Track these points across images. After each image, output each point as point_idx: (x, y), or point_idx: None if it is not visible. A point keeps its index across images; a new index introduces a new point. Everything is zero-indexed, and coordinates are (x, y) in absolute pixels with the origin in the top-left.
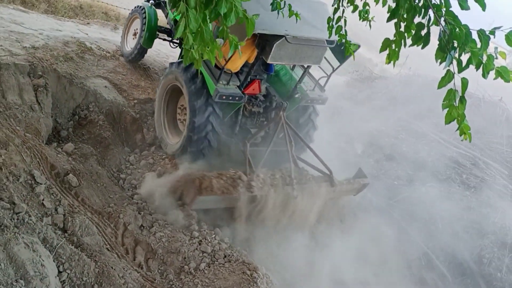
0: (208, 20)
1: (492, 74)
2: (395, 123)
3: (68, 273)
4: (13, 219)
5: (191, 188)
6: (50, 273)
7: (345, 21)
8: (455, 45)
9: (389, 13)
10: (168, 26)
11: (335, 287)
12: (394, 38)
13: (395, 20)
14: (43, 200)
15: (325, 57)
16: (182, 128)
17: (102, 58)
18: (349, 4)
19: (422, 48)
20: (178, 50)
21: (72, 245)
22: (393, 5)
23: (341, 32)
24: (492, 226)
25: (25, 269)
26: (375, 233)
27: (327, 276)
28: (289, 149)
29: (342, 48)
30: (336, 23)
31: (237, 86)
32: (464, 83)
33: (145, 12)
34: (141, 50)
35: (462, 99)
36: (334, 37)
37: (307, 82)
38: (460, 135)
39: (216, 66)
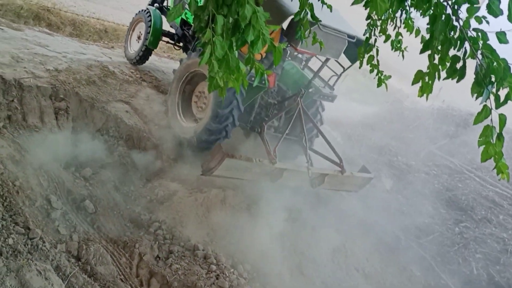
0: (235, 48)
1: None
2: (427, 157)
3: None
4: (27, 245)
5: (218, 153)
6: None
7: (377, 50)
8: (493, 79)
9: (422, 44)
10: (172, 30)
11: None
12: (428, 71)
13: (429, 52)
14: (58, 226)
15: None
16: (196, 113)
17: (125, 82)
18: (381, 34)
19: (457, 81)
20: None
21: (85, 274)
22: (427, 36)
23: (373, 62)
24: None
25: None
26: (405, 276)
27: None
28: (305, 134)
29: (354, 49)
30: (367, 53)
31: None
32: (502, 119)
33: (150, 15)
34: (146, 52)
35: (500, 137)
36: (355, 33)
37: (317, 80)
38: (498, 174)
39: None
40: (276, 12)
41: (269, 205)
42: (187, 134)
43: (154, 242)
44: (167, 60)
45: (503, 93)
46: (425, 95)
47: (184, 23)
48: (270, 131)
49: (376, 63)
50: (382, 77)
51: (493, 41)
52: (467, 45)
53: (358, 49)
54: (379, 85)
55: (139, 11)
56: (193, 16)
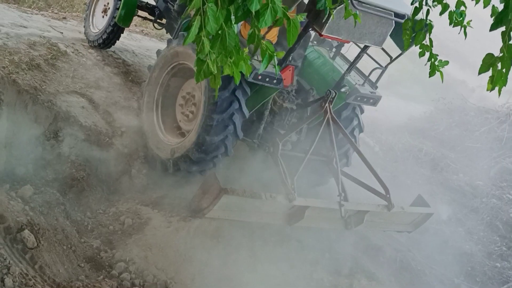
0: (233, 20)
1: None
2: (499, 176)
3: None
4: None
5: (213, 186)
6: None
7: (430, 26)
8: None
9: (494, 18)
10: (151, 1)
11: None
12: (501, 54)
13: (503, 29)
14: None
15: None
16: (180, 121)
17: (81, 66)
18: (436, 3)
19: None
20: None
21: None
22: (501, 6)
23: (423, 43)
24: None
25: None
26: None
27: None
28: (336, 155)
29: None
30: (416, 29)
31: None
32: None
33: None
34: (116, 30)
35: None
36: (406, 10)
37: (353, 75)
38: None
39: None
40: None
41: (282, 241)
42: (161, 151)
43: None
44: (139, 37)
45: None
46: (497, 88)
47: None
48: (286, 149)
49: (428, 43)
50: (437, 63)
51: None
52: None
53: (403, 24)
54: (432, 74)
55: None
56: None
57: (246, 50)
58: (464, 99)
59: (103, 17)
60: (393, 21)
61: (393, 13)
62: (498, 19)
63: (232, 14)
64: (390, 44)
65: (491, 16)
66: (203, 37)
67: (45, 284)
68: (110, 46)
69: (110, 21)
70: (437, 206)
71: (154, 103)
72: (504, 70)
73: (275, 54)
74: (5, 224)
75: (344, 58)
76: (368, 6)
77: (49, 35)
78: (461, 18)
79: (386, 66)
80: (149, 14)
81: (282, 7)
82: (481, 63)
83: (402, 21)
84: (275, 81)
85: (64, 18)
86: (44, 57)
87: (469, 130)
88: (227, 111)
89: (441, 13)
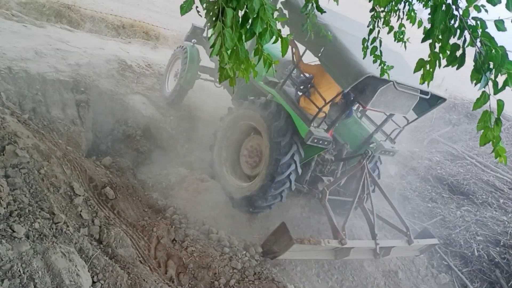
0: (244, 39)
1: None
2: (430, 145)
3: (101, 284)
4: (52, 229)
5: (285, 236)
6: (85, 283)
7: (380, 42)
8: (491, 66)
9: (424, 34)
10: (212, 66)
11: None
12: (429, 59)
13: (430, 41)
14: (81, 211)
15: None
16: (248, 171)
17: (141, 75)
18: (384, 25)
19: (457, 69)
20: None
21: (106, 256)
22: (428, 25)
23: (376, 53)
24: None
25: (61, 277)
26: (409, 258)
27: None
28: (372, 205)
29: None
30: (371, 44)
31: (325, 130)
32: (500, 105)
33: (186, 51)
34: (181, 91)
35: (498, 121)
36: (428, 88)
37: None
38: (496, 158)
39: (298, 107)
40: (347, 72)
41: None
42: (235, 194)
43: (171, 226)
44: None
45: (501, 79)
46: (426, 82)
47: None
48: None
49: (379, 54)
50: (385, 68)
51: (491, 29)
52: (466, 33)
53: (362, 41)
54: (381, 74)
55: (177, 48)
56: (205, 11)
57: (253, 60)
58: None
59: (174, 80)
60: (418, 96)
61: (419, 90)
62: (427, 34)
63: (243, 35)
64: None
65: (423, 33)
66: (223, 52)
67: (122, 223)
68: (180, 103)
69: (178, 83)
70: (387, 166)
71: (222, 159)
72: (431, 69)
73: (273, 62)
74: (93, 183)
75: (368, 118)
76: (405, 86)
77: (119, 54)
78: (402, 36)
79: (404, 127)
80: (209, 75)
81: (278, 30)
82: (415, 65)
83: (427, 96)
84: (326, 142)
85: (129, 42)
86: (116, 69)
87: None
88: (286, 172)
89: (388, 33)
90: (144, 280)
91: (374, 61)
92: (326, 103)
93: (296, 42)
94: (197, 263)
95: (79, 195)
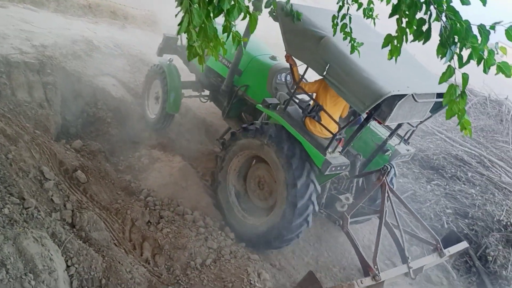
0: (212, 16)
1: (493, 69)
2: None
3: (76, 268)
4: (23, 214)
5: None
6: (59, 267)
7: (350, 18)
8: (456, 40)
9: (391, 10)
10: (194, 79)
11: None
12: (396, 34)
13: (397, 16)
14: (52, 196)
15: None
16: (259, 203)
17: (110, 56)
18: (353, 2)
19: (424, 43)
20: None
21: (80, 240)
22: (395, 1)
23: (346, 30)
24: (497, 224)
25: (34, 263)
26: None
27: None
28: (397, 222)
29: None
30: (341, 21)
31: (340, 152)
32: (465, 78)
33: (164, 72)
34: (167, 117)
35: (463, 94)
36: (442, 89)
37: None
38: (461, 130)
39: (306, 131)
40: (362, 93)
41: None
42: (254, 234)
43: (145, 209)
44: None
45: (466, 53)
46: (394, 57)
47: (209, 71)
48: (343, 210)
49: (349, 30)
50: (355, 44)
51: (456, 4)
52: (432, 8)
53: (332, 18)
54: (351, 51)
55: (151, 68)
56: None
57: (222, 37)
58: None
59: (155, 103)
60: (435, 100)
61: (435, 94)
62: (394, 10)
63: (211, 12)
64: None
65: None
66: (191, 29)
67: (94, 207)
68: (168, 127)
69: (163, 108)
70: None
71: (230, 195)
72: (398, 45)
73: (242, 39)
74: (64, 167)
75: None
76: (423, 95)
77: (86, 34)
78: (371, 13)
79: (417, 126)
80: (193, 90)
81: (246, 6)
82: (383, 40)
83: (441, 100)
84: (344, 167)
85: (96, 22)
86: (84, 50)
87: None
88: (306, 194)
89: (357, 9)
90: (119, 262)
91: (344, 38)
92: (341, 128)
93: (294, 58)
94: (172, 244)
95: (50, 180)
